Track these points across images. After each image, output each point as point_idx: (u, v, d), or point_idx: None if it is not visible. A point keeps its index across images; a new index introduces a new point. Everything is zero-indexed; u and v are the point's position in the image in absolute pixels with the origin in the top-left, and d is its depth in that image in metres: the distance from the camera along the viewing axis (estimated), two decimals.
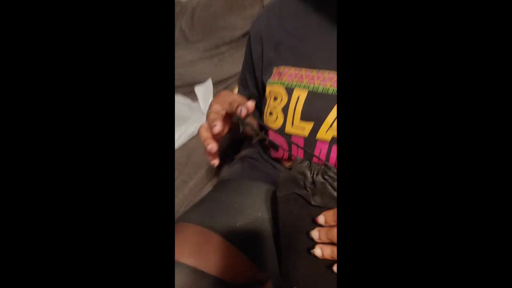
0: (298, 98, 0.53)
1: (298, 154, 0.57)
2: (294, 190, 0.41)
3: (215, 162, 0.47)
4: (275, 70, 0.58)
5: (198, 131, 0.47)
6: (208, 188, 0.86)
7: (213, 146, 0.44)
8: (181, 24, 1.26)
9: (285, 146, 0.58)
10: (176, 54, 1.24)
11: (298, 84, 0.54)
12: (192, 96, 1.19)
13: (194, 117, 1.07)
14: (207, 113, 0.48)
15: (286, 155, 0.61)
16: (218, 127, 0.43)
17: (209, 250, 0.45)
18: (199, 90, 1.12)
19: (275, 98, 0.56)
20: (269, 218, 0.55)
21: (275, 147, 0.61)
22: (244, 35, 1.15)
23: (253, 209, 0.54)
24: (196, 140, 1.01)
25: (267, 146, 0.65)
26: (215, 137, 0.46)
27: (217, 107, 0.48)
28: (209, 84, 1.12)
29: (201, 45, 1.20)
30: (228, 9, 1.15)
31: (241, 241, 0.48)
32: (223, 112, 0.47)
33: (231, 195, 0.57)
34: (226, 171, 0.79)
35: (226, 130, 0.47)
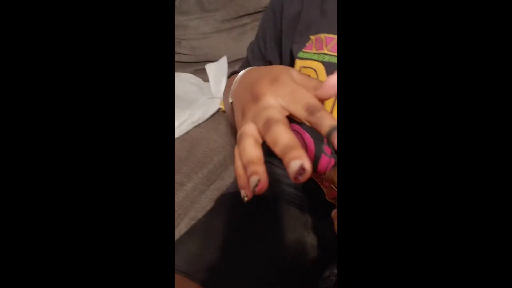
0: None
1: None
2: None
3: (248, 195, 0.26)
4: (313, 38, 0.45)
5: (235, 164, 0.27)
6: (209, 193, 0.69)
7: (249, 195, 0.25)
8: None
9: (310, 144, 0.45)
10: (190, 24, 1.07)
11: None
12: (204, 75, 1.01)
13: (202, 100, 0.89)
14: (241, 129, 0.26)
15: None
16: (261, 186, 0.23)
17: None
18: (210, 68, 0.94)
19: None
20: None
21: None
22: None
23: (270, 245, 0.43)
24: (202, 130, 0.83)
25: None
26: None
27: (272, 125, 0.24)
28: (223, 62, 0.94)
29: (219, 15, 1.02)
30: None
31: None
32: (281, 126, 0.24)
33: (238, 224, 0.46)
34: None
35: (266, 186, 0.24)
